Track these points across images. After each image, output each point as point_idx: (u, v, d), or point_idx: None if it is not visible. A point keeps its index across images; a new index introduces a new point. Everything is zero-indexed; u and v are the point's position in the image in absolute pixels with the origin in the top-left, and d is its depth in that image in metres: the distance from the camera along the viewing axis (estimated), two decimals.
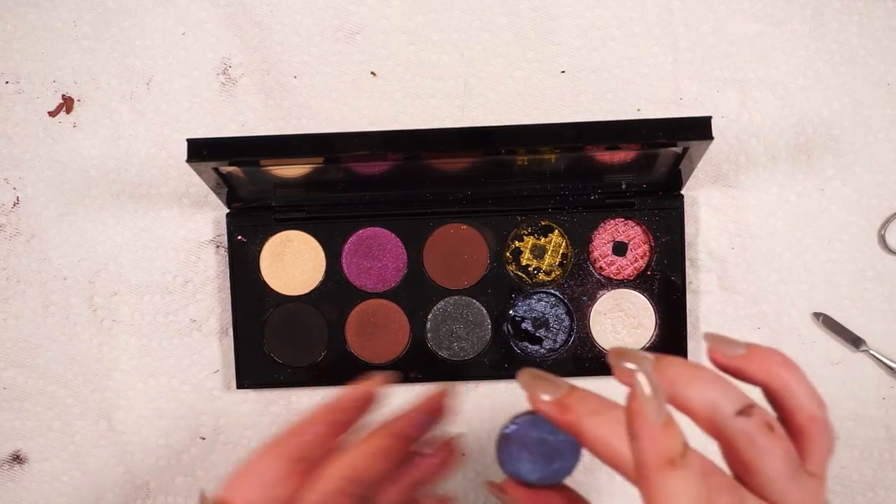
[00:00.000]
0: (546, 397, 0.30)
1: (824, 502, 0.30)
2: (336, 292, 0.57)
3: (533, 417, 0.32)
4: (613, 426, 0.29)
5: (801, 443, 0.30)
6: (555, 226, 0.57)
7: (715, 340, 0.31)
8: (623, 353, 0.28)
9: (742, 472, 0.30)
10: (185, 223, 0.58)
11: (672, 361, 0.30)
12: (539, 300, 0.57)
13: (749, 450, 0.29)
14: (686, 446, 0.26)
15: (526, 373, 0.31)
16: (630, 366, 0.27)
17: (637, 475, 0.27)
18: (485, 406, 0.58)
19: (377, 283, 0.57)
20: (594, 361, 0.57)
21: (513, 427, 0.32)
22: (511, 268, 0.57)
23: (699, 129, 0.46)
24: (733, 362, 0.31)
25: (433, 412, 0.37)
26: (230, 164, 0.49)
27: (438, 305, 0.57)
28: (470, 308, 0.57)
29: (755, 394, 0.31)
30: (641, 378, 0.26)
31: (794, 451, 0.30)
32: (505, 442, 0.32)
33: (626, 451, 0.28)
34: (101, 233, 0.58)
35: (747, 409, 0.29)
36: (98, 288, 0.58)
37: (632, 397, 0.26)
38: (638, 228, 0.57)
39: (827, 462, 0.31)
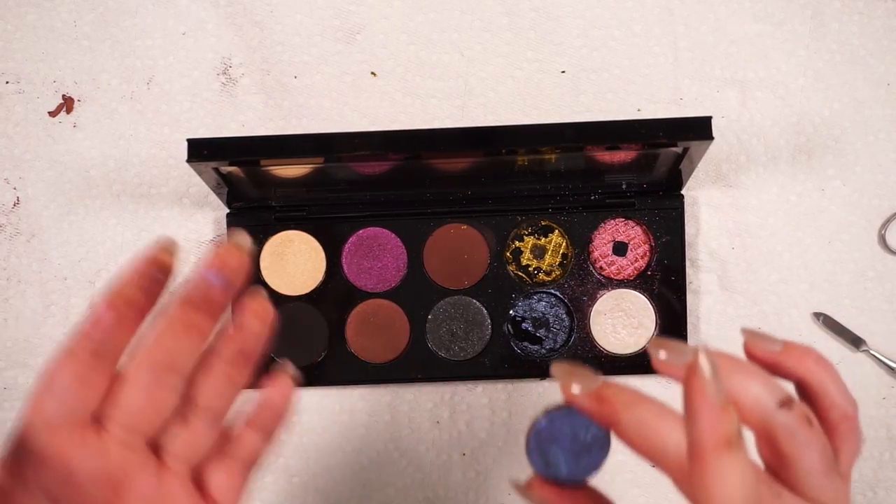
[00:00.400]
0: (581, 389, 0.30)
1: (850, 503, 0.31)
2: (336, 292, 0.57)
3: (566, 411, 0.32)
4: (652, 417, 0.29)
5: (833, 441, 0.31)
6: (555, 226, 0.57)
7: (752, 335, 0.32)
8: (665, 344, 0.29)
9: (778, 466, 0.30)
10: (185, 223, 0.58)
11: (713, 352, 0.30)
12: (539, 300, 0.57)
13: (789, 442, 0.29)
14: (741, 429, 0.26)
15: (560, 365, 0.31)
16: (663, 355, 0.28)
17: (692, 457, 0.27)
18: (484, 406, 0.58)
19: (377, 283, 0.57)
20: (594, 361, 0.57)
21: (545, 421, 0.32)
22: (511, 268, 0.57)
23: (699, 129, 0.46)
24: (771, 357, 0.31)
25: (219, 268, 0.33)
26: (230, 164, 0.49)
27: (438, 305, 0.57)
28: (470, 308, 0.57)
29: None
30: (703, 359, 0.27)
31: (829, 448, 0.30)
32: (536, 436, 0.32)
33: (665, 441, 0.28)
34: (102, 233, 0.58)
35: (788, 402, 0.29)
36: (99, 288, 0.58)
37: (691, 378, 0.27)
38: (638, 228, 0.57)
39: (853, 463, 0.31)
